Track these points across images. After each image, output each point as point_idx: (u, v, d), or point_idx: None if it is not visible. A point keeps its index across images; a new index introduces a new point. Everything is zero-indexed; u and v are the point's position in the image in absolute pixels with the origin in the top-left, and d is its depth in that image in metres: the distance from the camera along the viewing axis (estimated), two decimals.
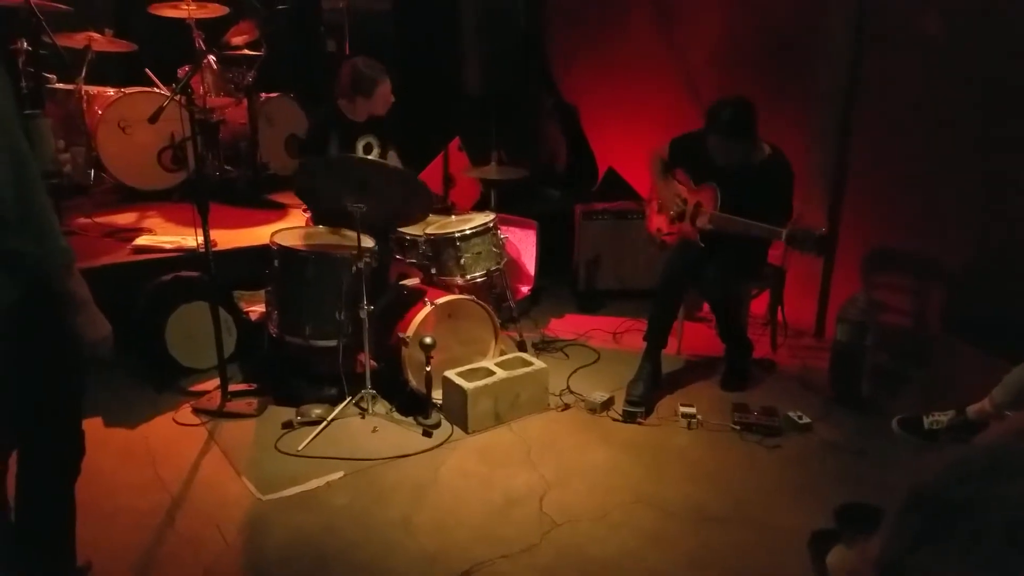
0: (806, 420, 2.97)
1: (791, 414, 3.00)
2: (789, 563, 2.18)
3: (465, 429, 2.88)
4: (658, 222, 3.48)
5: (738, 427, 2.94)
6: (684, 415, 2.98)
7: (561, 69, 5.23)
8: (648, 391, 3.11)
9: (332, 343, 3.00)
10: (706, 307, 3.89)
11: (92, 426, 2.78)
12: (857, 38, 3.50)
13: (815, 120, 3.72)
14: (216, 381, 3.04)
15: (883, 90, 3.46)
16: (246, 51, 4.46)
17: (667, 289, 3.20)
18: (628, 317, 4.00)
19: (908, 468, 2.68)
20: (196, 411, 2.98)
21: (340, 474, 2.60)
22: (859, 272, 3.63)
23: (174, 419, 2.94)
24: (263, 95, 4.54)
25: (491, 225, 3.37)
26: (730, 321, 3.31)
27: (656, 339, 3.21)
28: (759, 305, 3.70)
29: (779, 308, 3.60)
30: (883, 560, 0.85)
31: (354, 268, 2.93)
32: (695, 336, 3.74)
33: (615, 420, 3.02)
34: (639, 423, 3.00)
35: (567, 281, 4.38)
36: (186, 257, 3.38)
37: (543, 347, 3.66)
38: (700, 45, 4.21)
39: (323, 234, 3.27)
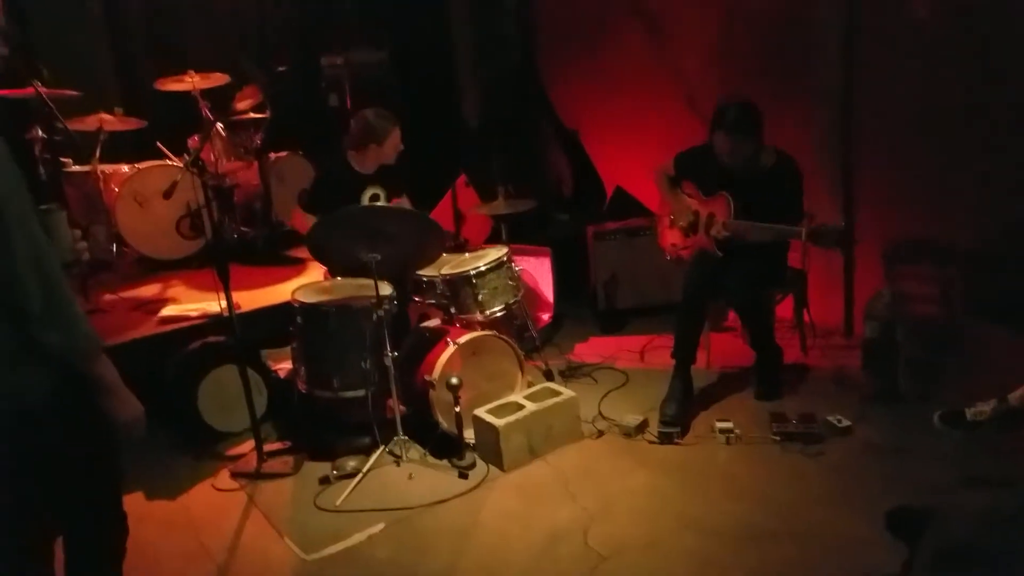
0: (846, 423, 2.91)
1: (830, 418, 2.94)
2: (844, 574, 2.12)
3: (501, 467, 2.87)
4: (672, 237, 3.47)
5: (778, 437, 2.89)
6: (721, 430, 2.94)
7: (559, 95, 5.28)
8: (682, 409, 3.08)
9: (360, 393, 3.01)
10: (732, 316, 3.86)
11: (134, 500, 2.83)
12: (850, 29, 3.49)
13: (817, 119, 3.70)
14: (251, 443, 3.06)
15: (882, 80, 3.44)
16: (252, 115, 4.56)
17: (690, 304, 3.18)
18: (652, 334, 3.97)
19: (954, 463, 2.61)
20: (234, 475, 3.00)
21: (381, 526, 2.59)
22: (880, 266, 3.57)
23: (213, 485, 2.96)
24: (272, 155, 4.64)
25: (505, 259, 3.38)
26: (758, 328, 3.27)
27: (685, 355, 3.19)
28: (785, 309, 3.65)
29: (805, 310, 3.55)
30: None
31: (375, 316, 2.95)
32: (723, 347, 3.70)
33: (651, 442, 2.99)
34: (676, 443, 2.96)
35: (586, 304, 4.37)
36: (212, 322, 3.42)
37: (570, 374, 3.64)
38: (694, 56, 4.23)
39: (342, 286, 3.30)
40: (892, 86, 3.42)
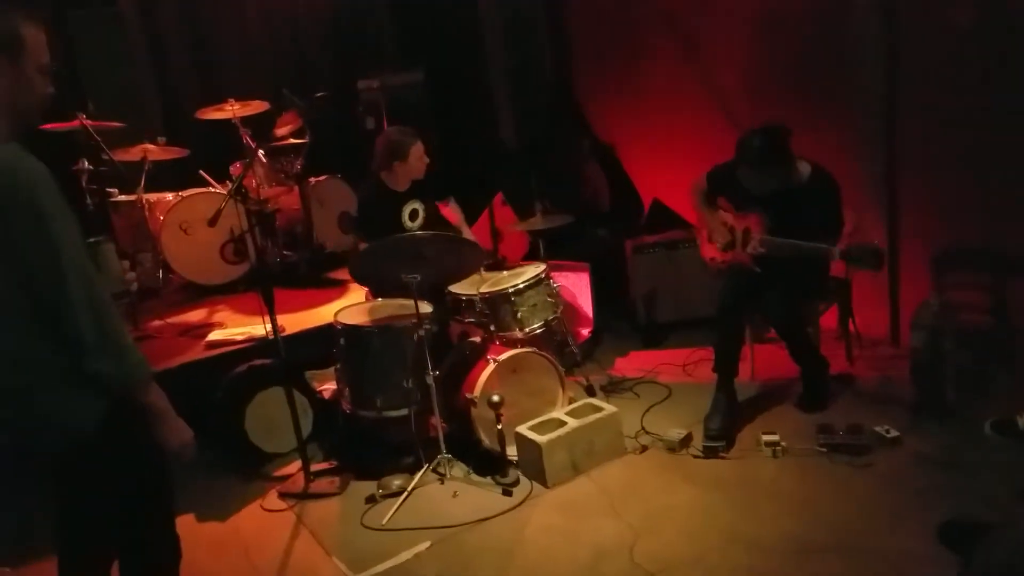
0: (894, 434, 2.85)
1: (878, 429, 2.88)
2: None
3: (544, 484, 2.87)
4: (710, 251, 3.45)
5: (825, 449, 2.84)
6: (767, 443, 2.90)
7: (594, 110, 5.30)
8: (726, 423, 3.04)
9: (403, 412, 3.05)
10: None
11: (185, 522, 2.88)
12: (889, 32, 3.44)
13: (858, 127, 3.65)
14: (298, 463, 3.11)
15: (925, 83, 3.38)
16: (292, 140, 4.67)
17: (726, 318, 3.15)
18: (694, 347, 3.93)
19: (1007, 474, 2.54)
20: (282, 496, 3.05)
21: (427, 544, 2.61)
22: (927, 274, 3.50)
23: (262, 506, 3.01)
24: (312, 179, 4.73)
25: (543, 275, 3.40)
26: (798, 343, 3.23)
27: (726, 369, 3.16)
28: (830, 318, 3.60)
29: (850, 320, 3.50)
30: None
31: (416, 336, 2.99)
32: (768, 358, 3.64)
33: (696, 457, 2.96)
34: (721, 457, 2.93)
35: (627, 318, 4.35)
36: (257, 345, 3.49)
37: (612, 389, 3.63)
38: (729, 68, 4.21)
39: (383, 306, 3.36)
40: (935, 92, 3.35)
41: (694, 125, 4.42)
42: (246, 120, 4.49)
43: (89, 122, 4.17)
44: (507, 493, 2.86)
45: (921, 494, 2.53)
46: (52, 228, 1.49)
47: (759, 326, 3.53)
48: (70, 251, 1.52)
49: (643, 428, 3.21)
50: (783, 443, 2.89)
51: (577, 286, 4.15)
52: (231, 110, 4.40)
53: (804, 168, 3.04)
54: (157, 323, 4.06)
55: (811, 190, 3.01)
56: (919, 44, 3.38)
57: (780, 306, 3.10)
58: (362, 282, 3.34)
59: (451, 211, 3.75)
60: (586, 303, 4.16)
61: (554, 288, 3.43)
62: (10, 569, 2.67)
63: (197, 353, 3.55)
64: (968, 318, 3.37)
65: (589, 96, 5.32)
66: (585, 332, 4.14)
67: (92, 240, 3.73)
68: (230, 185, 4.34)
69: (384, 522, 2.77)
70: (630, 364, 3.96)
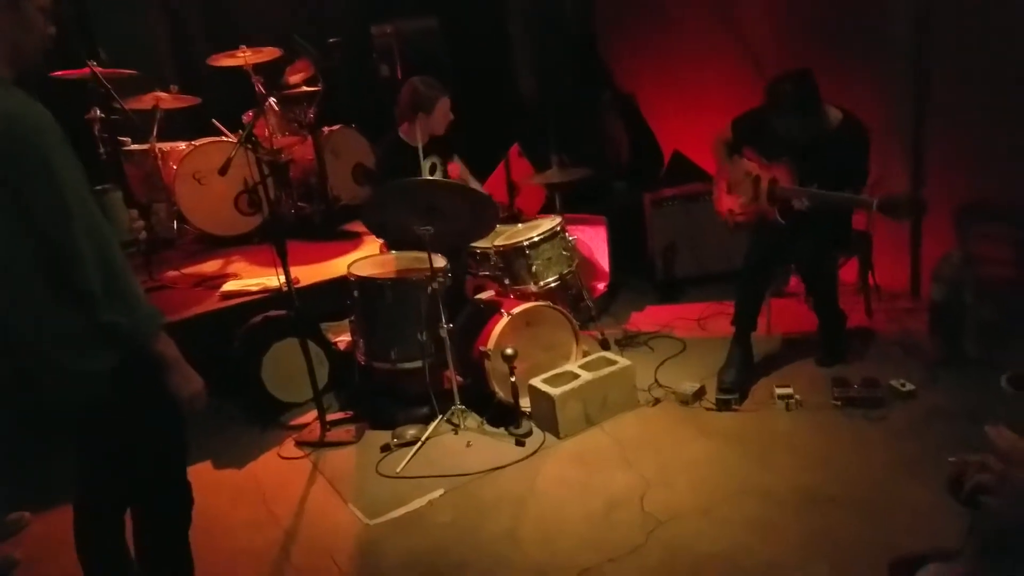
0: (910, 387, 2.83)
1: (894, 382, 2.87)
2: (908, 540, 2.09)
3: (557, 435, 2.89)
4: (729, 203, 3.38)
5: (839, 403, 2.83)
6: (781, 397, 2.89)
7: (616, 59, 5.16)
8: (741, 376, 3.04)
9: (418, 364, 3.06)
10: (793, 282, 3.76)
11: (203, 470, 2.96)
12: None
13: (887, 78, 3.53)
14: (314, 413, 3.15)
15: (954, 34, 3.26)
16: (304, 88, 4.59)
17: (754, 272, 3.11)
18: (711, 302, 3.91)
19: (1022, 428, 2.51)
20: (299, 444, 3.10)
21: (441, 491, 2.65)
22: (951, 226, 3.42)
23: (279, 454, 3.06)
24: (326, 129, 4.66)
25: (559, 229, 3.36)
26: (824, 294, 3.18)
27: (745, 323, 3.13)
28: (849, 272, 3.54)
29: (870, 273, 3.44)
30: None
31: (429, 289, 2.98)
32: (784, 313, 3.62)
33: (709, 410, 2.96)
34: (735, 410, 2.93)
35: (644, 273, 4.31)
36: (272, 297, 3.50)
37: (626, 343, 3.62)
38: (758, 17, 4.06)
39: (398, 259, 3.35)
40: (965, 43, 3.22)
41: (720, 75, 4.29)
42: (258, 67, 4.41)
43: (100, 70, 4.11)
44: (520, 444, 2.88)
45: (936, 447, 2.52)
46: (58, 177, 1.47)
47: (780, 281, 3.49)
48: (77, 201, 1.49)
49: (656, 381, 3.22)
50: (797, 396, 2.89)
51: (594, 240, 4.11)
52: (243, 57, 4.31)
53: (835, 115, 2.95)
54: (172, 273, 4.08)
55: (842, 137, 2.92)
56: None
57: (809, 257, 3.05)
58: (377, 233, 3.31)
59: (455, 166, 3.68)
60: (602, 257, 4.12)
61: (570, 242, 3.40)
62: (30, 514, 2.74)
63: (212, 304, 3.56)
64: (990, 271, 3.30)
65: (611, 45, 5.18)
66: (601, 286, 4.12)
67: (99, 188, 3.69)
68: (241, 134, 4.31)
69: (399, 470, 2.81)
70: (646, 318, 3.94)
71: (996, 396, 2.71)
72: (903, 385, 2.84)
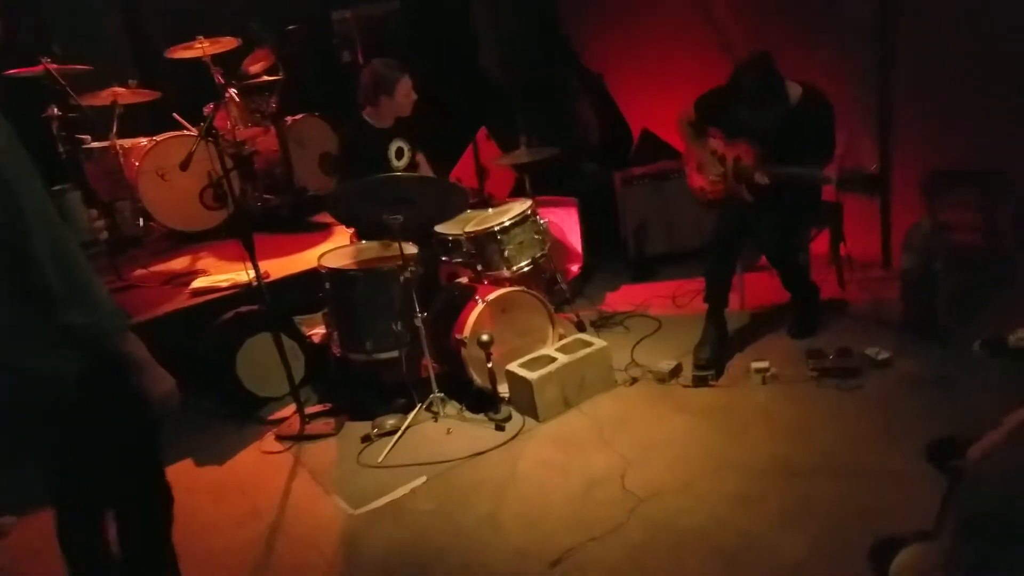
0: (884, 355, 2.87)
1: (868, 352, 2.90)
2: (886, 508, 2.12)
3: (536, 418, 2.89)
4: (699, 181, 3.39)
5: (815, 374, 2.86)
6: (757, 371, 2.92)
7: (581, 36, 5.12)
8: (716, 352, 3.06)
9: (394, 354, 3.04)
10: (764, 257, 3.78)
11: (183, 468, 2.92)
12: None
13: (852, 48, 3.54)
14: (293, 407, 3.13)
15: (918, 6, 3.26)
16: (265, 78, 4.50)
17: (720, 248, 3.13)
18: (684, 279, 3.92)
19: (996, 391, 2.56)
20: (279, 438, 3.07)
21: (423, 479, 2.65)
22: (920, 196, 3.46)
23: (259, 449, 3.04)
24: (289, 119, 4.59)
25: (530, 212, 3.34)
26: (790, 270, 3.21)
27: (716, 299, 3.15)
28: (821, 244, 3.57)
29: (841, 244, 3.47)
30: None
31: (401, 279, 2.95)
32: (757, 287, 3.64)
33: (686, 387, 2.98)
34: (711, 386, 2.95)
35: (618, 253, 4.31)
36: (243, 292, 3.45)
37: (602, 324, 3.63)
38: None
39: (368, 248, 3.31)
40: (929, 11, 3.24)
41: (687, 52, 4.29)
42: (217, 58, 4.31)
43: (55, 66, 3.99)
44: (500, 429, 2.88)
45: (910, 415, 2.56)
46: (11, 177, 1.42)
47: (750, 255, 3.51)
48: (33, 202, 1.45)
49: (633, 361, 3.23)
50: (773, 370, 2.91)
51: (566, 222, 4.09)
52: (201, 48, 4.21)
53: (794, 91, 2.96)
54: (140, 272, 4.01)
55: (803, 114, 2.93)
56: None
57: (772, 235, 3.07)
58: (345, 223, 3.27)
59: (420, 162, 3.64)
60: (575, 239, 4.11)
61: (541, 225, 3.38)
62: (15, 518, 2.71)
63: (182, 301, 3.51)
64: (960, 239, 3.35)
65: (575, 22, 5.14)
66: (575, 268, 4.11)
67: (56, 188, 3.59)
68: (202, 127, 4.21)
69: (380, 460, 2.80)
70: (621, 299, 3.95)
71: (968, 362, 2.77)
72: (877, 354, 2.87)
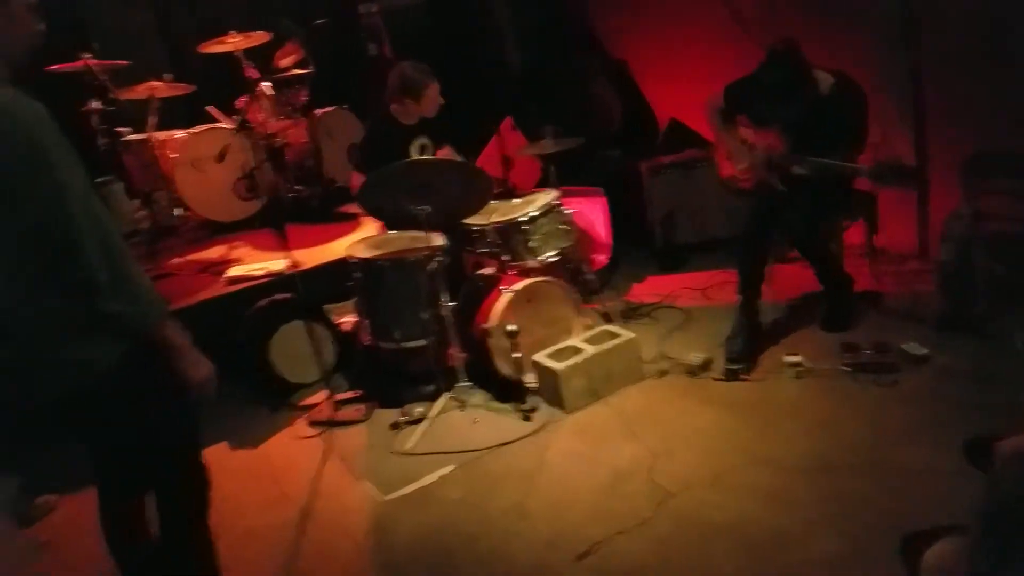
0: (922, 351, 2.80)
1: (905, 347, 2.83)
2: (920, 507, 2.07)
3: (563, 409, 2.89)
4: (729, 169, 3.34)
5: (849, 369, 2.79)
6: (790, 364, 2.86)
7: (605, 26, 5.06)
8: (748, 345, 3.01)
9: (422, 343, 3.07)
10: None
11: (217, 452, 2.98)
12: None
13: (881, 31, 3.44)
14: (324, 393, 3.18)
15: None
16: (295, 71, 4.55)
17: (752, 239, 3.08)
18: (714, 269, 3.88)
19: None
20: (311, 424, 3.12)
21: (451, 467, 2.67)
22: (958, 183, 3.36)
23: (292, 434, 3.09)
24: (318, 111, 4.63)
25: (555, 203, 3.33)
26: (821, 262, 3.15)
27: (750, 291, 3.11)
28: (855, 234, 3.50)
29: (875, 235, 3.39)
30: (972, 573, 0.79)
31: (429, 268, 2.97)
32: (790, 278, 3.57)
33: (717, 380, 2.94)
34: (742, 379, 2.90)
35: (644, 243, 4.27)
36: (276, 281, 3.51)
37: (629, 315, 3.60)
38: None
39: (396, 239, 3.33)
40: None
41: (713, 39, 4.20)
42: (249, 52, 4.37)
43: (94, 62, 4.09)
44: (527, 419, 2.89)
45: (948, 410, 2.50)
46: (56, 171, 1.47)
47: (782, 246, 3.45)
48: (76, 192, 1.50)
49: (662, 353, 3.20)
50: (806, 364, 2.86)
51: (592, 212, 4.07)
52: (232, 42, 4.27)
53: (825, 79, 2.89)
54: (177, 261, 4.09)
55: (834, 103, 2.87)
56: None
57: (802, 226, 3.02)
58: (373, 214, 3.30)
59: (445, 151, 3.64)
60: (602, 229, 4.09)
61: (567, 215, 3.37)
62: (57, 496, 2.80)
63: (218, 289, 3.57)
64: (1000, 227, 3.24)
65: (599, 11, 5.08)
66: (602, 258, 4.08)
67: (100, 180, 3.69)
68: (236, 120, 4.28)
69: (409, 447, 2.83)
70: (648, 289, 3.92)
71: (1009, 356, 2.69)
72: (915, 349, 2.80)
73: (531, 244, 3.22)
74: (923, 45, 3.34)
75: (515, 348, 2.87)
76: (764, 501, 2.23)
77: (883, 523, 2.04)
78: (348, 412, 3.12)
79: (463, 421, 2.95)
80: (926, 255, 3.62)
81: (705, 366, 3.00)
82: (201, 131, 4.41)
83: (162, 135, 4.45)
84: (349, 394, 3.26)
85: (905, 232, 3.63)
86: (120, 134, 4.45)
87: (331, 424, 3.07)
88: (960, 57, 3.22)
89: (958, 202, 3.19)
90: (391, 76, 3.39)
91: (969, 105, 3.25)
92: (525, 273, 3.23)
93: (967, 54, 3.18)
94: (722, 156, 3.40)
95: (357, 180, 3.40)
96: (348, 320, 3.65)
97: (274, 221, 3.00)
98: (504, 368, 3.01)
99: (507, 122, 4.24)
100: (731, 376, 2.92)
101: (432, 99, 3.36)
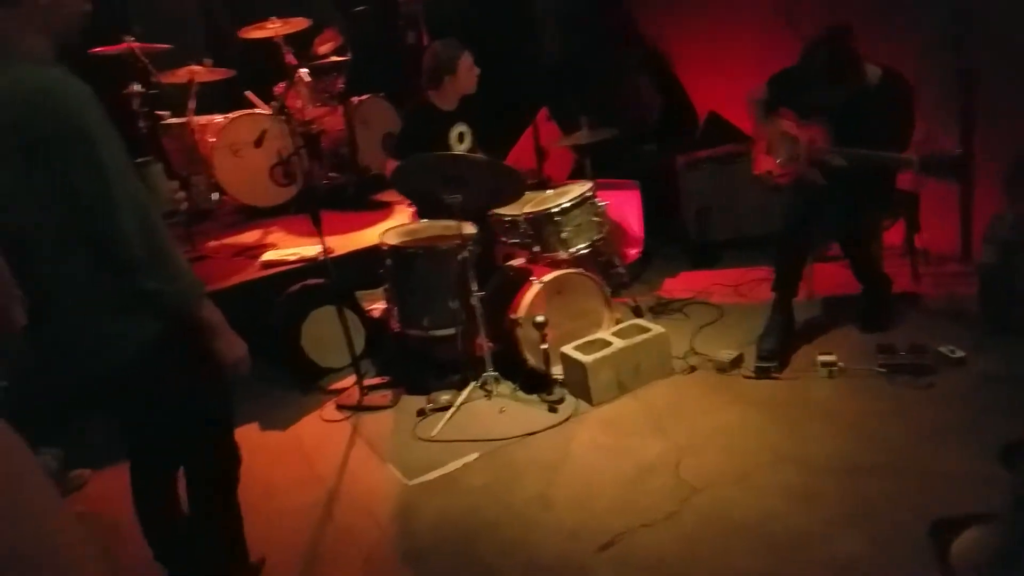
0: (959, 354, 2.73)
1: (942, 349, 2.77)
2: (950, 510, 2.02)
3: (590, 401, 2.88)
4: (767, 164, 3.28)
5: (884, 370, 2.74)
6: (823, 364, 2.82)
7: (645, 18, 5.01)
8: (781, 343, 2.97)
9: (450, 331, 3.08)
10: (836, 245, 3.65)
11: (248, 432, 3.04)
12: None
13: (929, 27, 3.35)
14: (353, 378, 3.21)
15: None
16: (333, 58, 4.58)
17: (792, 235, 3.01)
18: (748, 266, 3.83)
19: None
20: (339, 407, 3.16)
21: (475, 455, 2.68)
22: (1003, 185, 3.27)
23: (321, 417, 3.13)
24: (355, 99, 4.66)
25: (589, 194, 3.31)
26: (864, 259, 3.09)
27: (786, 288, 3.05)
28: (895, 235, 3.42)
29: (916, 236, 3.32)
30: (1001, 556, 0.77)
31: (459, 257, 2.98)
32: (827, 277, 3.51)
33: (747, 378, 2.91)
34: (774, 378, 2.86)
35: (677, 237, 4.23)
36: (309, 266, 3.55)
37: (660, 310, 3.57)
38: None
39: (428, 227, 3.34)
40: None
41: (755, 32, 4.14)
42: (288, 38, 4.41)
43: (137, 45, 4.17)
44: (553, 410, 2.88)
45: (984, 415, 2.44)
46: (100, 150, 1.50)
47: (821, 243, 3.39)
48: (118, 172, 1.53)
49: (692, 349, 3.17)
50: (840, 363, 2.81)
51: (627, 205, 4.04)
52: (273, 28, 4.32)
53: (873, 72, 2.82)
54: (212, 244, 4.16)
55: (882, 96, 2.80)
56: None
57: (844, 220, 2.95)
58: (409, 197, 3.30)
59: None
60: (636, 222, 4.06)
61: (600, 207, 3.35)
62: (90, 471, 2.88)
63: (253, 273, 3.63)
64: None
65: (639, 2, 5.02)
66: (634, 252, 4.06)
67: (140, 161, 3.76)
68: (275, 106, 4.32)
69: (434, 434, 2.84)
70: (680, 285, 3.88)
71: None
72: (952, 352, 2.74)
73: (563, 235, 3.21)
74: (972, 46, 3.25)
75: (543, 339, 2.87)
76: (790, 500, 2.20)
77: (910, 525, 2.00)
78: (376, 397, 3.15)
79: (489, 410, 2.96)
80: (967, 257, 3.53)
81: (736, 363, 2.97)
82: (239, 116, 4.47)
83: (201, 119, 4.52)
84: (377, 380, 3.29)
85: (946, 234, 3.54)
86: (160, 117, 4.54)
87: (359, 409, 3.11)
88: (1009, 59, 3.13)
89: (1001, 205, 3.10)
90: (424, 58, 3.39)
91: (1015, 108, 3.16)
92: (556, 264, 3.22)
93: (1016, 56, 3.09)
94: (759, 151, 3.34)
95: (392, 169, 3.43)
96: (378, 307, 3.68)
97: (309, 207, 3.02)
98: (531, 359, 3.01)
99: (543, 112, 4.23)
100: (762, 374, 2.88)
101: (468, 68, 3.35)
